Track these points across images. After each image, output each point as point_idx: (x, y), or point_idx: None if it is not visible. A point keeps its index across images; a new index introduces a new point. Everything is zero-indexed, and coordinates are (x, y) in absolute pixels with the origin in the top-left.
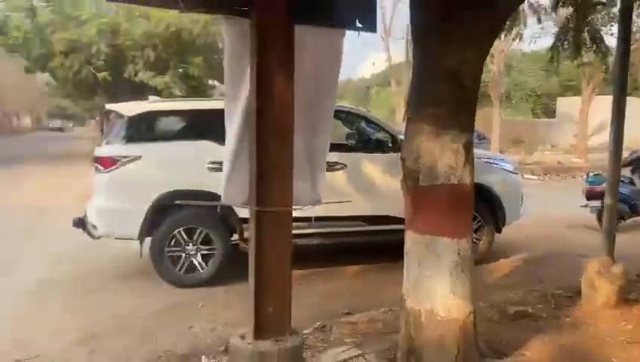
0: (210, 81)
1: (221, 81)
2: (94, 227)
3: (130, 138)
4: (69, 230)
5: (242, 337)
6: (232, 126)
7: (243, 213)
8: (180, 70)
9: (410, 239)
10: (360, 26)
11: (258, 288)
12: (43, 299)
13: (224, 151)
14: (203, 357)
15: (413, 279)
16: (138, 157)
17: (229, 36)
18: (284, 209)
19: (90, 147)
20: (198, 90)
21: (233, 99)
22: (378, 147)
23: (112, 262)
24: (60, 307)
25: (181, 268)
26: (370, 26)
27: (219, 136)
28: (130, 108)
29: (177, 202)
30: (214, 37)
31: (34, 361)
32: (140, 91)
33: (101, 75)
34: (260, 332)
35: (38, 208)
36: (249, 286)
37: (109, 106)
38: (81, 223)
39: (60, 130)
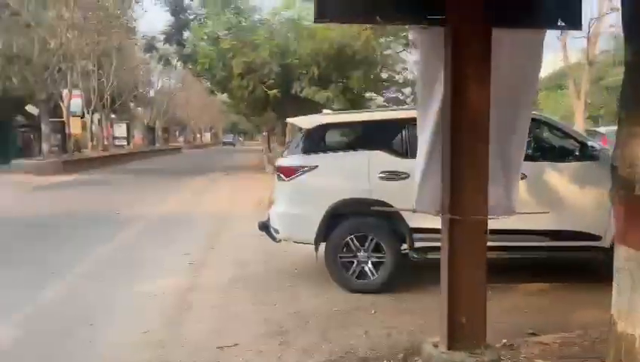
0: (367, 94)
1: (378, 94)
2: (276, 231)
3: (307, 149)
4: (252, 233)
5: (435, 345)
6: (424, 135)
7: (413, 222)
8: (340, 84)
9: (623, 255)
10: (562, 24)
11: (451, 297)
12: (235, 294)
13: (416, 160)
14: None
15: (625, 300)
16: (315, 167)
17: (422, 46)
18: (479, 218)
19: (258, 159)
20: (356, 102)
21: (426, 108)
22: (564, 156)
23: (293, 263)
24: (249, 302)
25: (353, 273)
26: (575, 23)
27: (390, 146)
28: (307, 121)
29: (373, 208)
30: (374, 51)
31: (233, 349)
32: (305, 106)
33: (272, 92)
34: (453, 341)
35: (224, 213)
36: (440, 294)
37: (288, 120)
38: (264, 227)
39: (232, 144)
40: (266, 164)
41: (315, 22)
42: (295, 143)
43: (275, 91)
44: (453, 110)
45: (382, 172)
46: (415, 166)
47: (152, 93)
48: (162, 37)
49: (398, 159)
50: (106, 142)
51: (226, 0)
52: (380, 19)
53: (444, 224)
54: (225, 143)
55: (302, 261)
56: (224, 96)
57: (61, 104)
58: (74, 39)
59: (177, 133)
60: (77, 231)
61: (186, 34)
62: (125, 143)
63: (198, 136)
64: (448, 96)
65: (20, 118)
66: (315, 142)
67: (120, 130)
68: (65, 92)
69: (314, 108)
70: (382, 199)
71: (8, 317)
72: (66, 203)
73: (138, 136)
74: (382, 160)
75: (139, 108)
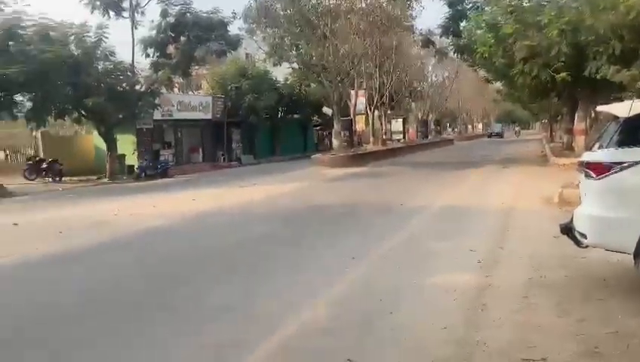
0: None
1: None
2: (583, 235)
3: (626, 141)
4: (544, 233)
5: None
6: None
7: None
8: None
9: None
10: None
11: None
12: (534, 301)
13: None
14: None
15: None
16: (637, 163)
17: None
18: None
19: (537, 149)
20: None
21: None
22: None
23: (598, 272)
24: (552, 312)
25: None
26: None
27: None
28: (626, 108)
29: None
30: None
31: None
32: (598, 88)
33: (560, 76)
34: None
35: (508, 208)
36: None
37: (599, 108)
38: (567, 230)
39: (499, 135)
40: (550, 156)
41: None
42: (608, 135)
43: (563, 74)
44: None
45: None
46: None
47: (425, 88)
48: (438, 31)
49: None
50: (384, 137)
51: None
52: None
53: None
54: (491, 135)
55: (609, 270)
56: (498, 85)
57: (349, 104)
58: (360, 43)
59: (448, 124)
60: (371, 220)
61: (462, 24)
62: (401, 137)
63: (469, 127)
64: None
65: (315, 118)
66: (637, 133)
67: (396, 125)
68: (352, 93)
69: (610, 90)
70: None
71: (315, 297)
72: (357, 193)
73: (412, 129)
74: None
75: (413, 103)
